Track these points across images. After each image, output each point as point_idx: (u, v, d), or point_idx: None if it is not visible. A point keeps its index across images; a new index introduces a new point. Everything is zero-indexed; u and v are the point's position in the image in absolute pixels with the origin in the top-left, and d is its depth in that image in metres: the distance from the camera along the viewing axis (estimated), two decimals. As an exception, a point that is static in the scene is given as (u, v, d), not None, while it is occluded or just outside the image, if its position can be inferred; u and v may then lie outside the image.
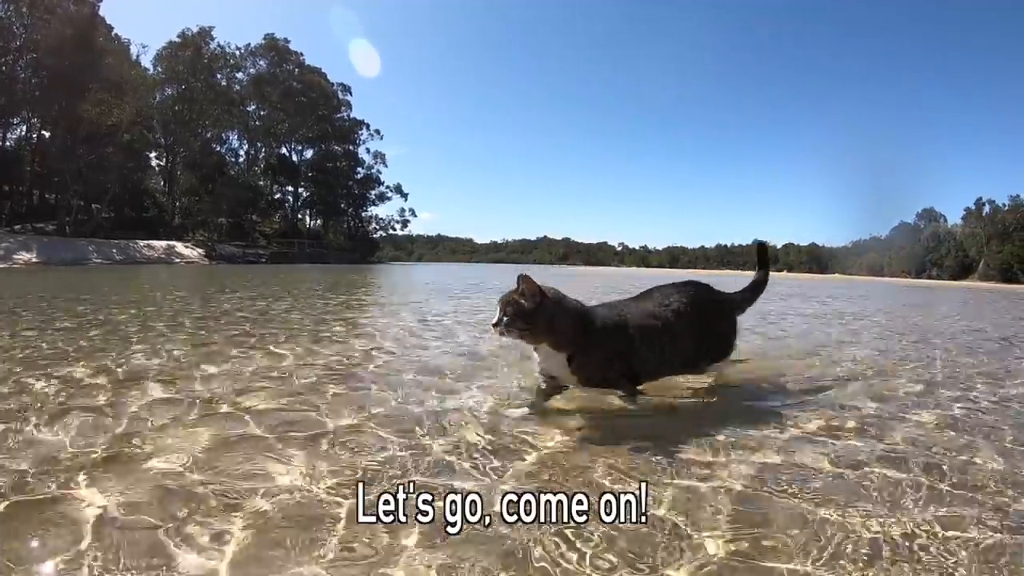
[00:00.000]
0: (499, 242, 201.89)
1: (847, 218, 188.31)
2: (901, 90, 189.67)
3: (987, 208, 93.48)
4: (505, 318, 3.11)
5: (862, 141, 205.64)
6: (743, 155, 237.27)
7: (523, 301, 3.12)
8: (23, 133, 52.94)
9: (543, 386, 3.50)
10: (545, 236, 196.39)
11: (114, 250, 44.45)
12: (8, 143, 51.49)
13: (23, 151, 51.83)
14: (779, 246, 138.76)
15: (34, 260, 36.46)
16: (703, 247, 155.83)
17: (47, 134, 52.78)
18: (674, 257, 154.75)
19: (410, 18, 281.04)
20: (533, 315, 3.12)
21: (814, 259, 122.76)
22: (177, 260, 46.81)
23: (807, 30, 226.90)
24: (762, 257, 4.73)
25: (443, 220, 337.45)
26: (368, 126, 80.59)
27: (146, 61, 61.69)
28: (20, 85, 49.43)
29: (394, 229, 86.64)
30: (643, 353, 3.48)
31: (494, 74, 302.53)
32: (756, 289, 4.45)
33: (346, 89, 79.28)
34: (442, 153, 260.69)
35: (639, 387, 3.46)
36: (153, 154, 61.55)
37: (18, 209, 49.68)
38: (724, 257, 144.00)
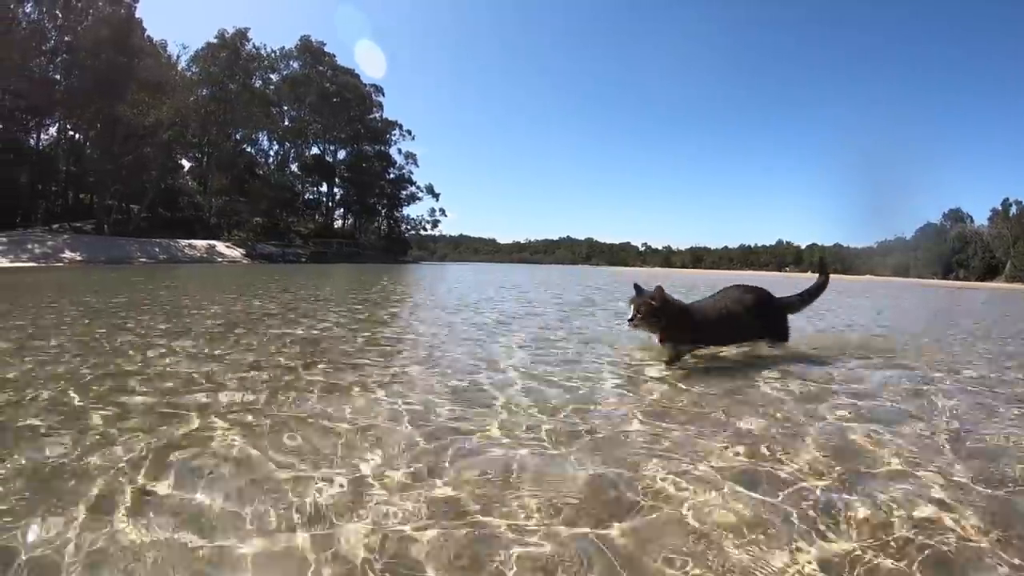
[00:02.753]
0: (522, 242, 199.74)
1: (868, 217, 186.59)
2: (927, 89, 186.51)
3: (1014, 209, 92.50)
4: (638, 315, 4.52)
5: (886, 140, 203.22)
6: (767, 155, 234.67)
7: (652, 302, 4.51)
8: (56, 134, 52.78)
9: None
10: (568, 236, 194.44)
11: (156, 249, 44.27)
12: (42, 144, 51.36)
13: (57, 151, 51.71)
14: (803, 247, 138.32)
15: (78, 258, 36.21)
16: (726, 247, 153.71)
17: (78, 136, 52.87)
18: (697, 258, 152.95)
19: (429, 16, 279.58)
20: (659, 312, 4.53)
21: (839, 260, 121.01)
22: (219, 259, 46.72)
23: (829, 31, 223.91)
24: (822, 266, 6.07)
25: (464, 220, 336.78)
26: (401, 126, 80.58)
27: (183, 62, 61.74)
28: (54, 86, 48.93)
29: (425, 229, 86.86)
30: (720, 332, 5.01)
31: (516, 74, 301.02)
32: (813, 293, 5.72)
33: (378, 90, 79.32)
34: (463, 153, 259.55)
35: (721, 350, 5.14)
36: (184, 156, 61.58)
37: (53, 209, 49.62)
38: (747, 258, 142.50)
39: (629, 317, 4.46)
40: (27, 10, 47.25)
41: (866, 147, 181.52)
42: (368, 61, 60.50)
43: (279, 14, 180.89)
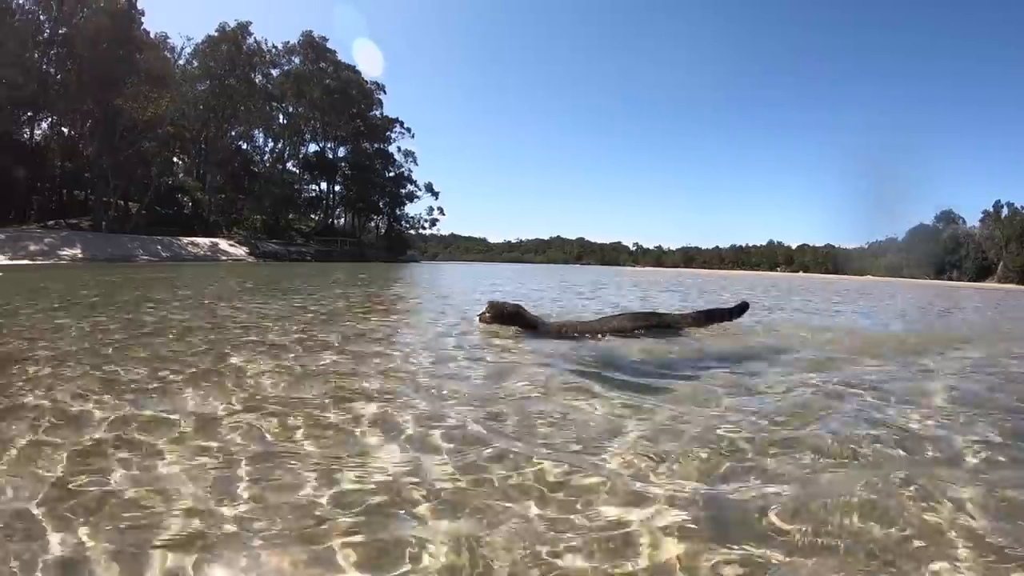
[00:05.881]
0: (513, 242, 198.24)
1: (861, 219, 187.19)
2: (917, 90, 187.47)
3: (1005, 210, 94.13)
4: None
5: (876, 140, 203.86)
6: (757, 155, 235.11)
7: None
8: (48, 129, 52.06)
9: None
10: (558, 235, 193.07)
11: (159, 247, 43.29)
12: (35, 139, 50.43)
13: (50, 146, 50.67)
14: (794, 247, 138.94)
15: (79, 256, 35.55)
16: (718, 248, 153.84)
17: (67, 130, 52.12)
18: (689, 257, 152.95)
19: (418, 15, 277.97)
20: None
21: (830, 259, 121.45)
22: (223, 258, 45.97)
23: (817, 33, 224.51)
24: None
25: (455, 219, 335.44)
26: (401, 123, 79.09)
27: (185, 55, 61.09)
28: (48, 79, 48.20)
29: (424, 228, 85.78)
30: None
31: (505, 73, 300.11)
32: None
33: (380, 87, 77.60)
34: (453, 151, 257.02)
35: None
36: (181, 152, 60.21)
37: (47, 205, 48.85)
38: (739, 258, 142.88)
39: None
40: (20, 1, 46.36)
41: (858, 149, 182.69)
42: (365, 59, 59.13)
43: (281, 10, 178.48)
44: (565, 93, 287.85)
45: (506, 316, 5.92)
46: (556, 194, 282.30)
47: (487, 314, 6.05)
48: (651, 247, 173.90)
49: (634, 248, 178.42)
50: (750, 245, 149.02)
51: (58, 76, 48.86)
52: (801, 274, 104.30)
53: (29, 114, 49.12)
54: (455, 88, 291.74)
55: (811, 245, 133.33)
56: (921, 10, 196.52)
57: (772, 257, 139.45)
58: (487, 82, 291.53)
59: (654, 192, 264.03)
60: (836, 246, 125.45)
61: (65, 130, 52.14)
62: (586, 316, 7.16)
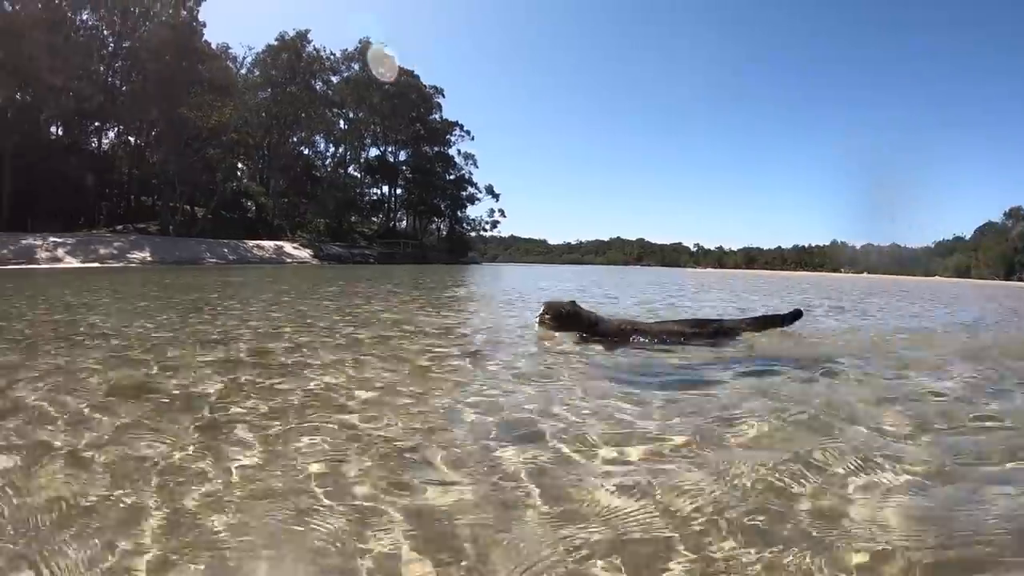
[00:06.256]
0: (573, 243, 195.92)
1: (927, 217, 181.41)
2: (978, 84, 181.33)
3: None
4: None
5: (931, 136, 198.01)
6: (819, 152, 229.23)
7: None
8: (115, 137, 53.18)
9: None
10: (618, 236, 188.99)
11: (225, 250, 43.96)
12: (103, 147, 51.75)
13: (118, 154, 52.03)
14: (858, 247, 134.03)
15: (148, 259, 36.02)
16: (780, 248, 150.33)
17: (137, 140, 53.25)
18: (751, 258, 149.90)
19: (479, 15, 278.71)
20: None
21: (895, 260, 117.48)
22: (288, 260, 46.20)
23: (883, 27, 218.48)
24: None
25: (515, 221, 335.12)
26: (461, 126, 79.05)
27: (246, 65, 62.50)
28: (114, 91, 49.78)
29: (485, 230, 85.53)
30: None
31: (566, 74, 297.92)
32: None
33: (438, 91, 77.58)
34: (513, 153, 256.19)
35: None
36: (244, 158, 61.25)
37: (116, 211, 50.01)
38: (801, 258, 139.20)
39: None
40: (84, 17, 48.08)
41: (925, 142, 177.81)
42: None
43: (338, 18, 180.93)
44: (625, 92, 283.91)
45: (564, 317, 5.68)
46: (616, 195, 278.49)
47: (546, 315, 5.77)
48: (712, 247, 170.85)
49: (695, 249, 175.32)
50: (813, 245, 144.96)
51: (123, 87, 50.28)
52: (866, 275, 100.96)
53: (97, 124, 50.43)
54: (516, 89, 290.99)
55: (875, 244, 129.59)
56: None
57: (836, 257, 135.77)
58: (546, 83, 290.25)
59: (716, 191, 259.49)
60: (901, 245, 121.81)
61: (131, 139, 53.22)
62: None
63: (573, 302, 5.80)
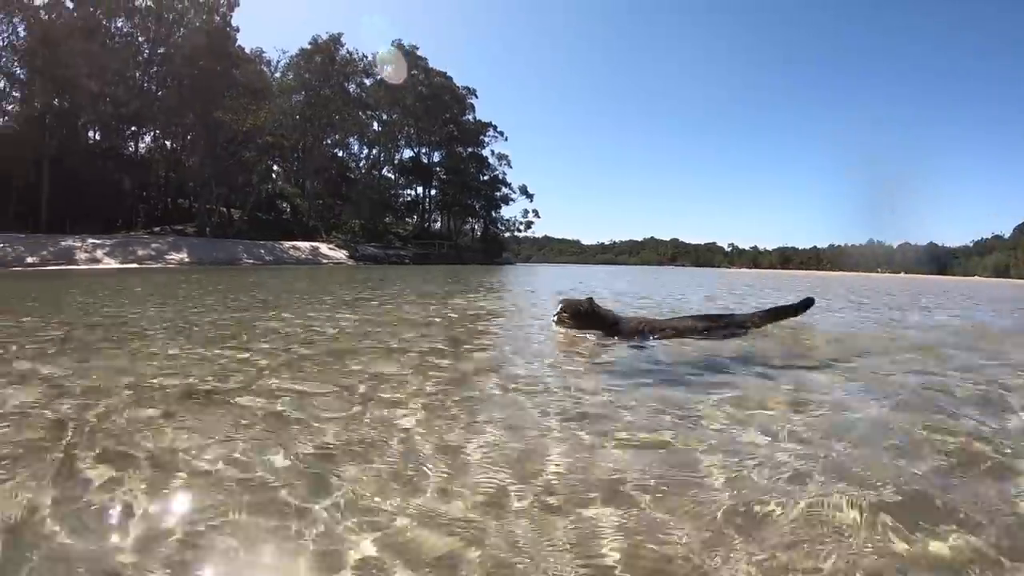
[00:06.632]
0: (606, 243, 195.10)
1: (967, 214, 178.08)
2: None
3: None
4: None
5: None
6: (851, 150, 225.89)
7: None
8: (151, 141, 53.97)
9: None
10: (652, 237, 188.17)
11: (262, 251, 44.04)
12: (140, 151, 52.50)
13: (155, 158, 52.74)
14: (895, 246, 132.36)
15: (186, 260, 36.18)
16: (815, 247, 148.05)
17: (173, 144, 54.16)
18: (786, 258, 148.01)
19: (510, 16, 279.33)
20: None
21: (932, 259, 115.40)
22: (324, 261, 46.11)
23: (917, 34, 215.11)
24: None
25: (548, 221, 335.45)
26: (494, 127, 79.02)
27: (280, 68, 62.97)
28: (150, 96, 50.58)
29: (519, 230, 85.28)
30: None
31: (598, 74, 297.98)
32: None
33: (471, 91, 77.73)
34: (546, 154, 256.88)
35: None
36: (279, 160, 62.02)
37: (153, 213, 50.58)
38: (838, 258, 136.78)
39: None
40: (119, 24, 49.06)
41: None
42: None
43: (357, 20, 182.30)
44: (660, 92, 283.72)
45: (582, 315, 5.60)
46: (650, 195, 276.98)
47: (564, 314, 5.69)
48: (746, 247, 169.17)
49: (729, 249, 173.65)
50: (849, 244, 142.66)
51: (159, 92, 51.09)
52: (903, 275, 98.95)
53: (133, 128, 51.18)
54: (548, 90, 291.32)
55: (912, 244, 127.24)
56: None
57: (872, 257, 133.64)
58: (581, 83, 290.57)
59: (751, 191, 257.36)
60: (939, 244, 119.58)
61: (168, 143, 54.06)
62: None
63: (590, 299, 5.69)
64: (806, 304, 6.37)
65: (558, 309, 5.79)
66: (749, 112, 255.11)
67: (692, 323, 5.78)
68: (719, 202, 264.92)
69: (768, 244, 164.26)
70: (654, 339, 5.35)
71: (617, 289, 15.50)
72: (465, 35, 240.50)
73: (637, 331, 5.53)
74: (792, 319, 6.39)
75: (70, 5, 45.83)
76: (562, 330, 5.61)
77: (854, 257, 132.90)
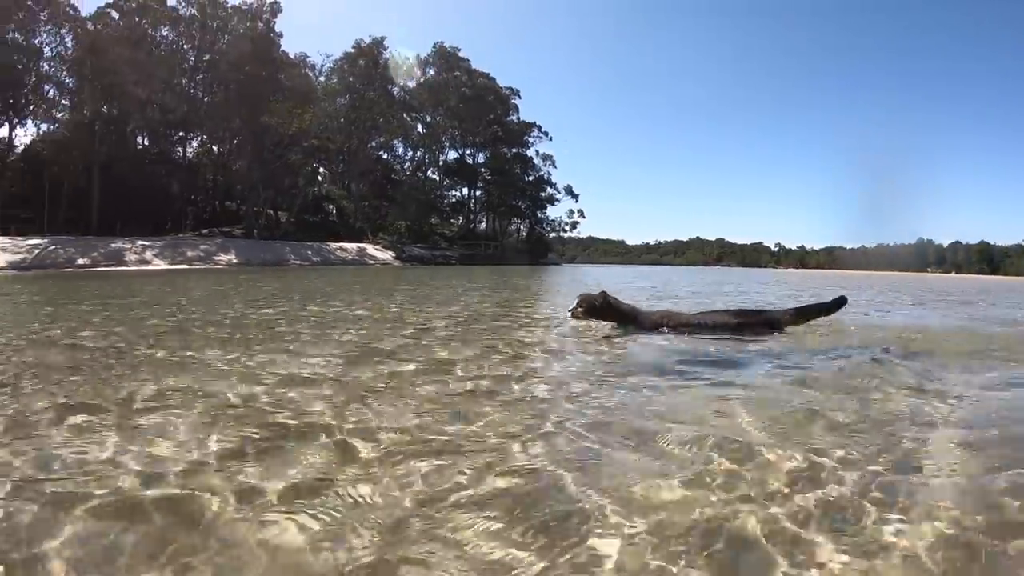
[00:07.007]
0: (651, 243, 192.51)
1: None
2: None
3: None
4: None
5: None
6: (905, 146, 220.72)
7: None
8: (199, 146, 55.00)
9: None
10: (697, 237, 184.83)
11: (309, 252, 44.36)
12: (187, 155, 53.62)
13: (202, 162, 53.92)
14: (945, 245, 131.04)
15: (234, 261, 36.64)
16: (863, 247, 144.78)
17: (219, 148, 55.00)
18: (833, 258, 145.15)
19: (554, 13, 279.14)
20: None
21: (985, 258, 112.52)
22: (371, 262, 46.20)
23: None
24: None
25: (592, 222, 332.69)
26: (539, 127, 78.34)
27: (324, 72, 63.36)
28: (196, 102, 51.79)
29: (565, 231, 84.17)
30: None
31: (642, 73, 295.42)
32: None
33: (514, 92, 77.23)
34: (590, 153, 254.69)
35: None
36: (324, 163, 62.53)
37: (201, 215, 51.54)
38: (885, 257, 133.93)
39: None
40: (164, 33, 50.31)
41: None
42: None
43: (411, 24, 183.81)
44: (703, 89, 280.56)
45: (597, 309, 5.77)
46: (695, 194, 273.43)
47: (579, 308, 5.83)
48: (793, 247, 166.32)
49: (776, 248, 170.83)
50: (897, 244, 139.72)
51: (206, 99, 52.15)
52: (954, 275, 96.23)
53: (181, 134, 52.24)
54: (592, 90, 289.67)
55: (964, 243, 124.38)
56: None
57: (922, 256, 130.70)
58: (624, 83, 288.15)
59: (796, 190, 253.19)
60: (991, 243, 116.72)
61: (215, 147, 54.95)
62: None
63: (604, 293, 5.84)
64: (839, 303, 6.33)
65: (575, 303, 5.91)
66: (795, 110, 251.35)
67: (720, 318, 5.82)
68: (765, 201, 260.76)
69: (815, 243, 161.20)
70: (672, 332, 5.49)
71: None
72: (507, 36, 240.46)
73: (657, 324, 5.67)
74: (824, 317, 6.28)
75: (116, 16, 47.28)
76: (577, 322, 5.88)
77: (903, 257, 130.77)
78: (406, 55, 63.52)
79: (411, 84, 63.06)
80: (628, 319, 5.73)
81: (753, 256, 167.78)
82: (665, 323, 5.71)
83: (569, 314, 5.95)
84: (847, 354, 4.63)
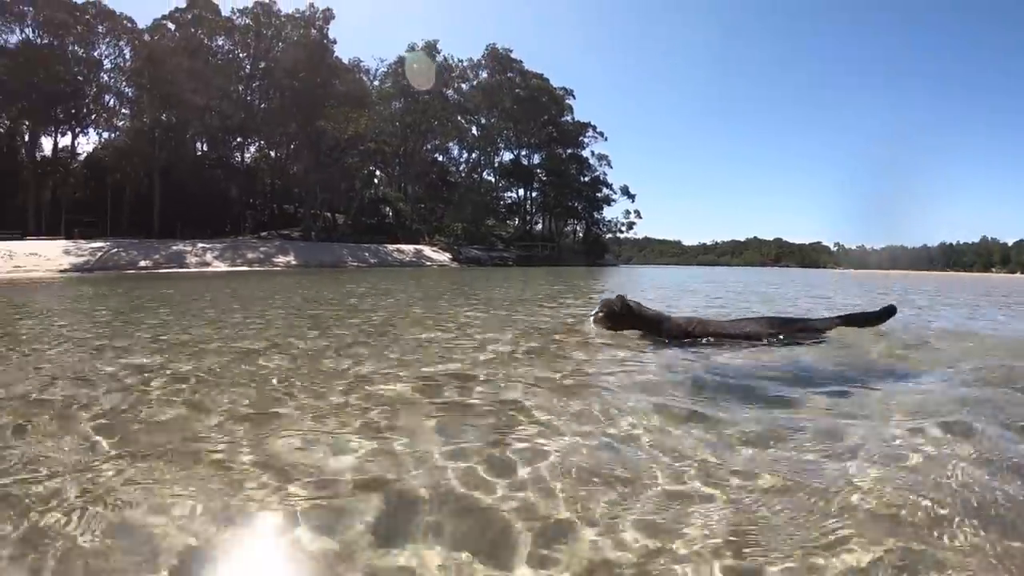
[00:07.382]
0: (708, 244, 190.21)
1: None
2: None
3: None
4: None
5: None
6: (967, 143, 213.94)
7: None
8: (256, 151, 56.03)
9: None
10: (755, 236, 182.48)
11: (367, 253, 44.67)
12: (246, 160, 54.53)
13: (260, 167, 54.86)
14: (1010, 243, 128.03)
15: (293, 263, 36.85)
16: (925, 246, 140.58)
17: (276, 153, 55.99)
18: (894, 258, 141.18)
19: (611, 13, 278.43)
20: None
21: None
22: (428, 263, 46.30)
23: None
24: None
25: (648, 222, 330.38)
26: (594, 127, 77.78)
27: (378, 76, 64.09)
28: (253, 109, 52.66)
29: (621, 231, 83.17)
30: None
31: (702, 71, 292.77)
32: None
33: (568, 92, 76.78)
34: (646, 153, 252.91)
35: None
36: (380, 166, 62.95)
37: (260, 218, 52.28)
38: (948, 257, 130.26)
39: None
40: (219, 42, 51.55)
41: None
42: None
43: (464, 26, 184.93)
44: (758, 88, 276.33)
45: (616, 315, 5.33)
46: (752, 193, 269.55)
47: (600, 313, 5.49)
48: (853, 247, 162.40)
49: (835, 248, 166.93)
50: (960, 243, 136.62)
51: (262, 105, 52.96)
52: (1020, 275, 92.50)
53: (239, 140, 53.13)
54: (648, 89, 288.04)
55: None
56: None
57: (986, 256, 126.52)
58: (678, 81, 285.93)
59: (856, 187, 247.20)
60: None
61: (272, 152, 55.84)
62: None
63: (621, 298, 5.37)
64: (888, 312, 6.07)
65: (596, 309, 5.61)
66: (854, 104, 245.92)
67: (756, 327, 5.38)
68: (824, 198, 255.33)
69: (875, 243, 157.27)
70: (704, 341, 5.08)
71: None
72: (560, 36, 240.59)
73: (685, 332, 5.23)
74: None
75: (172, 27, 48.63)
76: (599, 329, 5.41)
77: (967, 256, 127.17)
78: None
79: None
80: (653, 326, 5.25)
81: (812, 256, 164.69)
82: (695, 331, 5.28)
83: (592, 320, 5.60)
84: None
